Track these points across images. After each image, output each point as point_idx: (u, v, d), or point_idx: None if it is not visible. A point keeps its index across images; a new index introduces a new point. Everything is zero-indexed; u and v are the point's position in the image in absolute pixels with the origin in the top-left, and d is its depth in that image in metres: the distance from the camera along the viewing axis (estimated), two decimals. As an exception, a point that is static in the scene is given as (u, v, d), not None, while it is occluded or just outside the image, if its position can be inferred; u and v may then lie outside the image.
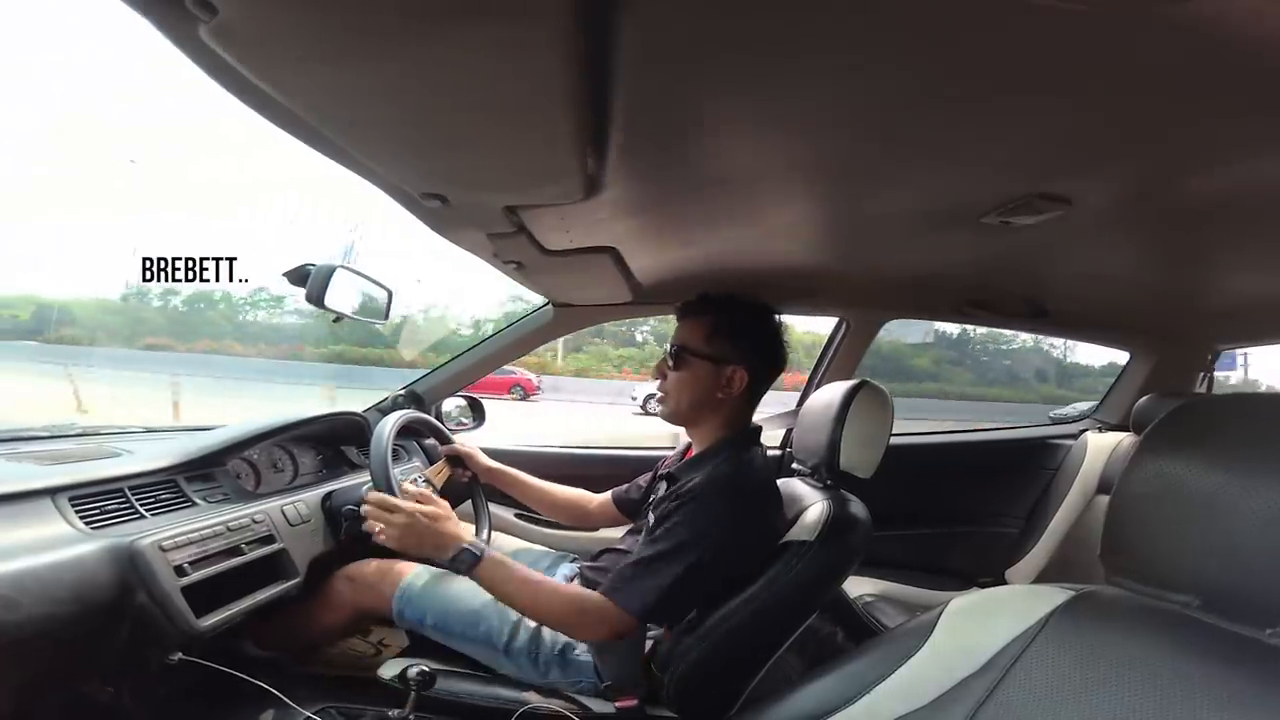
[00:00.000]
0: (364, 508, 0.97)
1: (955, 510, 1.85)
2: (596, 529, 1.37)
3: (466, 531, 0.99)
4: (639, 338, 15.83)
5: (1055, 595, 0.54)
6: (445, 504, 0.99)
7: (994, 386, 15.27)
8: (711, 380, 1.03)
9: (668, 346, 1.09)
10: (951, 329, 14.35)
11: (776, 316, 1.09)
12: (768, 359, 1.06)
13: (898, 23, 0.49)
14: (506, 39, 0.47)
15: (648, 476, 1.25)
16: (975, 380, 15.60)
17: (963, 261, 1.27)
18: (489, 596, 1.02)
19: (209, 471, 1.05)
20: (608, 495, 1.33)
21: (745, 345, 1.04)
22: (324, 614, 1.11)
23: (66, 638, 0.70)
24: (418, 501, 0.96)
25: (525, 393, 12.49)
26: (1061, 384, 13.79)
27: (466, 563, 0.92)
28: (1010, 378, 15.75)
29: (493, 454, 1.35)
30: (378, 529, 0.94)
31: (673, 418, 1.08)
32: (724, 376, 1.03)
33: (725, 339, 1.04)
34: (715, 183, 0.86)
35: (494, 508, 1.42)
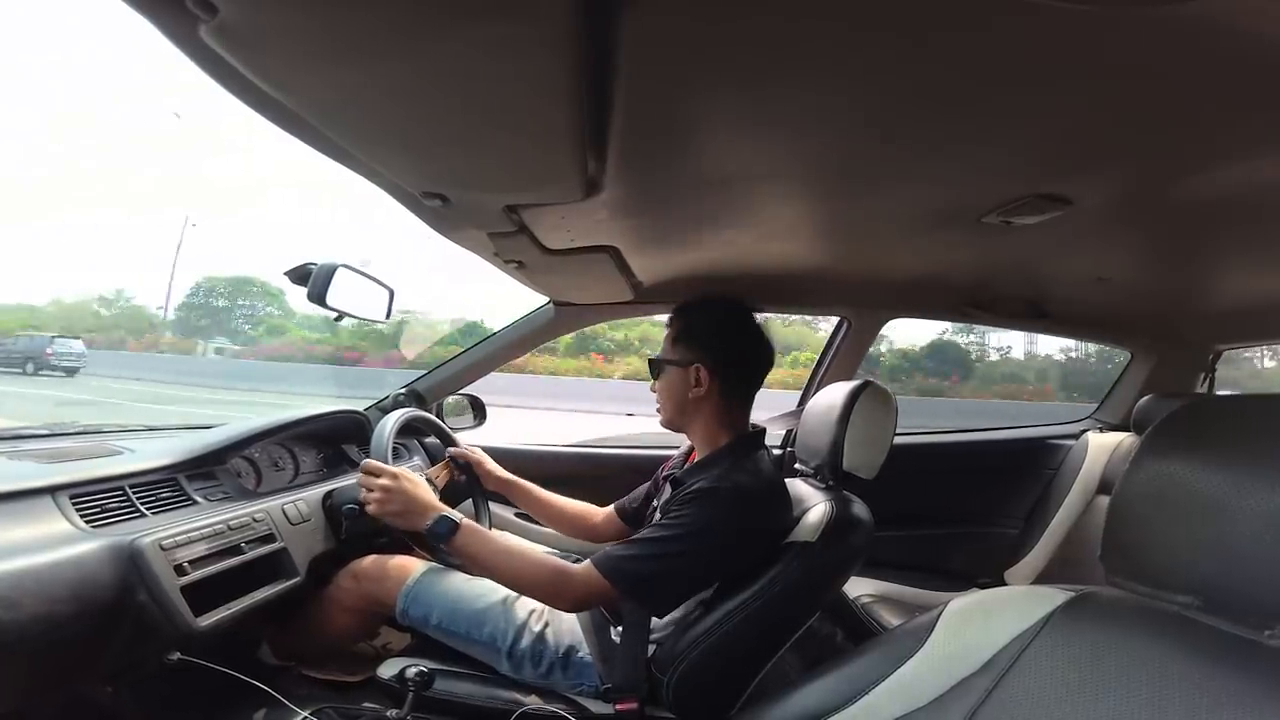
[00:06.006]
0: (358, 476, 1.01)
1: (955, 511, 1.84)
2: (603, 543, 1.37)
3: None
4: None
5: (1055, 596, 0.54)
6: (419, 479, 1.04)
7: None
8: (682, 382, 1.06)
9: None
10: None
11: (742, 312, 1.08)
12: (732, 354, 1.06)
13: (897, 23, 0.49)
14: (506, 39, 0.47)
15: (647, 485, 1.26)
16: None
17: (963, 261, 1.27)
18: (495, 598, 1.03)
19: (210, 470, 1.05)
20: (611, 509, 1.33)
21: (703, 343, 1.05)
22: (338, 616, 1.11)
23: (66, 637, 0.70)
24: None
25: None
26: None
27: (445, 529, 0.95)
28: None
29: (495, 454, 1.35)
30: (363, 494, 0.99)
31: (667, 424, 1.12)
32: (690, 375, 1.05)
33: (687, 341, 1.06)
34: (715, 183, 0.86)
35: (494, 507, 1.42)
